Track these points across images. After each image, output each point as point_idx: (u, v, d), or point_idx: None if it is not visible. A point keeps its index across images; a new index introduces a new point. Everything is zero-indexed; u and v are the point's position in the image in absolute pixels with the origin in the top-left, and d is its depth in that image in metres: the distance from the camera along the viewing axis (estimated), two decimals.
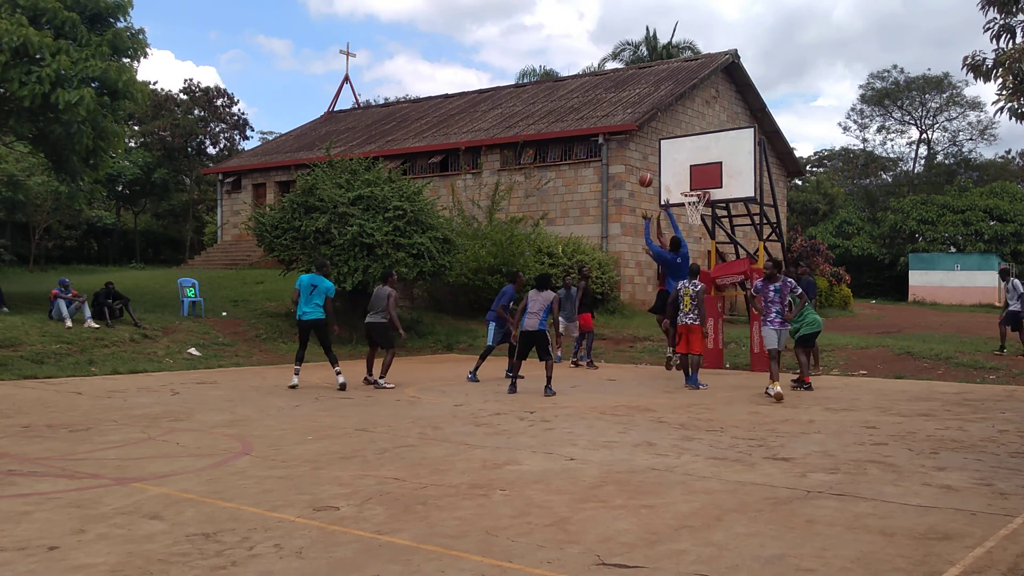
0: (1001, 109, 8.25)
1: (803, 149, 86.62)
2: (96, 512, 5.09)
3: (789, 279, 10.87)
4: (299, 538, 4.58)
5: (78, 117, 15.66)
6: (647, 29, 50.49)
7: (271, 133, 47.43)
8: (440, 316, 20.83)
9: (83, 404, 9.82)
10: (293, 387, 11.32)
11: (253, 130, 66.13)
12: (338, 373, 11.49)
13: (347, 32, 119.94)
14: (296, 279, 12.23)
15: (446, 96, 35.36)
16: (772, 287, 10.68)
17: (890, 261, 43.48)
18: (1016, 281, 15.19)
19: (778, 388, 10.34)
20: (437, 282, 20.38)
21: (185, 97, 43.57)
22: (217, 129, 44.20)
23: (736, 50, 27.94)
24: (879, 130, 53.58)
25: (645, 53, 40.64)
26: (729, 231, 16.93)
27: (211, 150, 44.10)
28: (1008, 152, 55.48)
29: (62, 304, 15.49)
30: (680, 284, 12.16)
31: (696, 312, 11.67)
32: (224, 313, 18.64)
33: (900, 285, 41.56)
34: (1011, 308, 15.08)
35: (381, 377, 11.63)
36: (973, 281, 37.04)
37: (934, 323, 22.77)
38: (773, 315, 10.64)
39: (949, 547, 4.43)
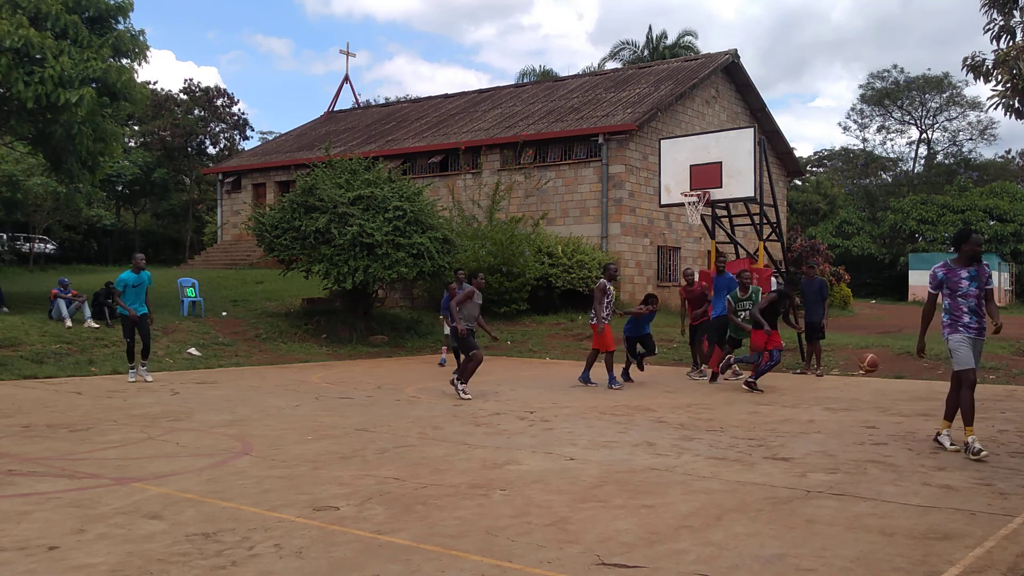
0: (996, 105, 8.27)
1: (803, 149, 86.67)
2: (96, 512, 5.09)
3: (986, 263, 7.15)
4: (299, 538, 4.58)
5: (77, 118, 15.67)
6: (648, 29, 50.45)
7: (271, 133, 47.48)
8: (440, 316, 20.79)
9: (83, 404, 9.82)
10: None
11: (253, 130, 66.23)
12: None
13: (346, 33, 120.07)
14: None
15: (446, 96, 35.37)
16: (965, 273, 6.93)
17: (890, 261, 43.48)
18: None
19: (969, 441, 6.76)
20: (437, 282, 20.38)
21: (185, 97, 43.57)
22: (217, 129, 44.19)
23: (736, 50, 27.96)
24: (879, 130, 53.61)
25: (646, 54, 40.64)
26: (729, 231, 16.92)
27: (211, 150, 44.10)
28: (1008, 152, 55.48)
29: (62, 304, 15.50)
30: (607, 284, 11.93)
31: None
32: (224, 313, 18.64)
33: (900, 285, 41.55)
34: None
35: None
36: None
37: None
38: (966, 316, 6.95)
39: (949, 547, 4.43)
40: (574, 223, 23.81)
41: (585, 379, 12.04)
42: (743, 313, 11.68)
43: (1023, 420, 8.86)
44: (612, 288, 11.99)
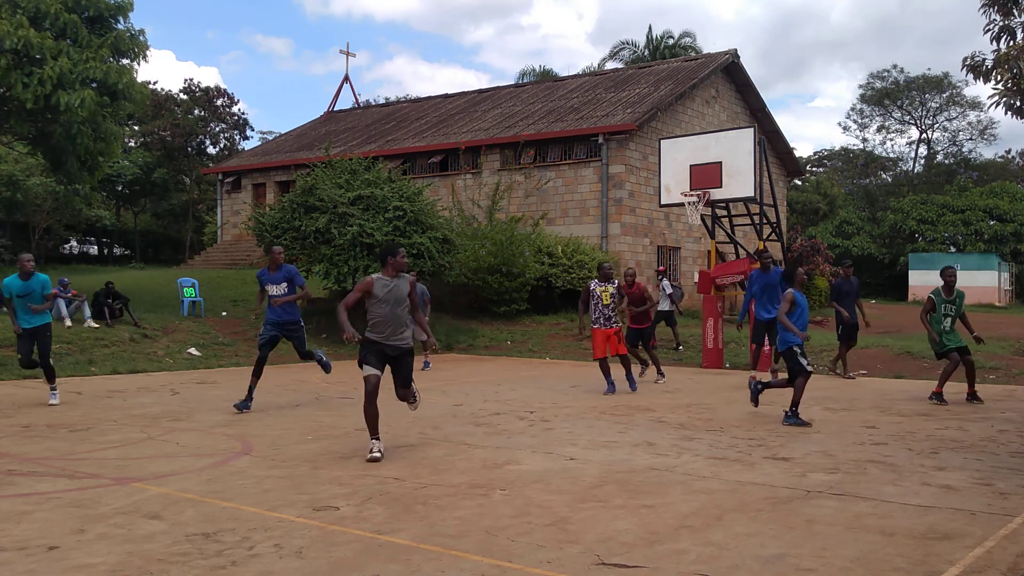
0: (997, 104, 8.26)
1: (802, 149, 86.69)
2: (96, 512, 5.09)
3: None
4: (299, 538, 4.58)
5: (78, 118, 15.69)
6: (648, 29, 50.45)
7: (271, 133, 47.48)
8: (440, 316, 20.82)
9: (83, 404, 9.82)
10: None
11: (253, 130, 66.27)
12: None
13: (345, 33, 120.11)
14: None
15: (446, 96, 35.36)
16: None
17: (890, 261, 43.48)
18: (666, 282, 16.93)
19: None
20: (437, 282, 20.38)
21: (185, 97, 43.58)
22: (217, 129, 44.21)
23: (736, 50, 27.95)
24: (879, 130, 53.61)
25: (646, 54, 40.64)
26: (729, 231, 16.92)
27: (211, 150, 44.12)
28: (1008, 152, 55.46)
29: (62, 304, 15.50)
30: (595, 284, 11.11)
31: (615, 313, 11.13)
32: (224, 313, 18.64)
33: (900, 285, 41.55)
34: (661, 308, 16.47)
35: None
36: (973, 281, 36.99)
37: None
38: None
39: (949, 547, 4.43)
40: (574, 223, 23.81)
41: (630, 384, 11.33)
42: (947, 319, 9.98)
43: (1023, 420, 8.86)
44: (600, 291, 11.02)
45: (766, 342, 12.66)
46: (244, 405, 9.26)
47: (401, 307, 6.75)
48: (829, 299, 14.16)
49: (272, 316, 9.55)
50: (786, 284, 9.10)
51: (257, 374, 9.44)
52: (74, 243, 39.78)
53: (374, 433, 6.77)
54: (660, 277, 17.65)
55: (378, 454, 6.61)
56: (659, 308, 16.80)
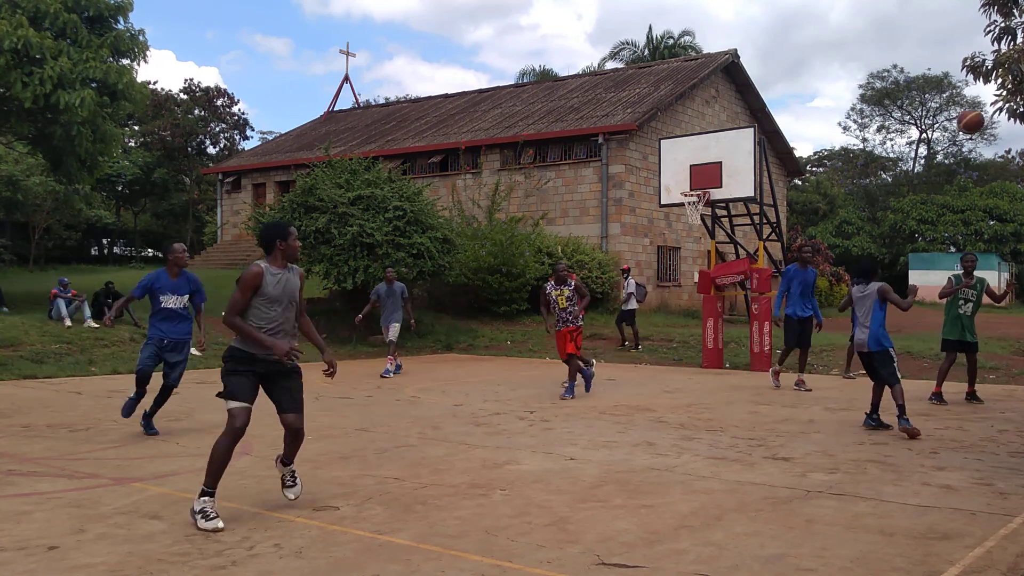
0: (1000, 109, 8.26)
1: (802, 149, 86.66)
2: (96, 512, 5.09)
3: None
4: (299, 538, 4.58)
5: (78, 118, 15.69)
6: (648, 29, 50.44)
7: (271, 133, 47.48)
8: (440, 316, 20.84)
9: (83, 404, 9.82)
10: None
11: (253, 130, 66.29)
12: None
13: (345, 33, 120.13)
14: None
15: (446, 96, 35.37)
16: None
17: (890, 261, 43.46)
18: (632, 280, 17.21)
19: None
20: (437, 282, 20.39)
21: (185, 97, 43.60)
22: (217, 129, 44.22)
23: (736, 50, 27.96)
24: (879, 130, 53.62)
25: (646, 54, 40.65)
26: (729, 231, 16.93)
27: (211, 150, 44.14)
28: (1008, 152, 55.43)
29: (62, 304, 15.51)
30: (550, 287, 10.85)
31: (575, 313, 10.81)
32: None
33: (900, 285, 41.46)
34: (624, 308, 17.14)
35: None
36: None
37: (934, 323, 22.68)
38: None
39: (949, 547, 4.43)
40: (574, 223, 23.81)
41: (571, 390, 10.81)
42: (967, 304, 9.89)
43: (1023, 420, 8.87)
44: (556, 294, 10.71)
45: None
46: (150, 430, 7.74)
47: (292, 309, 5.15)
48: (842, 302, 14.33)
49: (161, 332, 7.63)
50: (865, 279, 9.17)
51: (142, 394, 7.77)
52: (100, 244, 40.35)
53: (212, 484, 4.76)
54: (626, 276, 17.68)
55: (218, 522, 4.68)
56: (626, 307, 17.02)
